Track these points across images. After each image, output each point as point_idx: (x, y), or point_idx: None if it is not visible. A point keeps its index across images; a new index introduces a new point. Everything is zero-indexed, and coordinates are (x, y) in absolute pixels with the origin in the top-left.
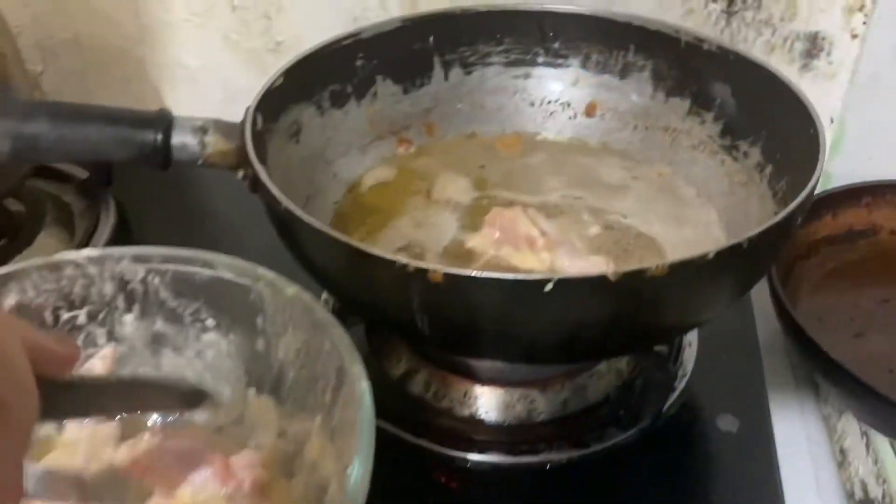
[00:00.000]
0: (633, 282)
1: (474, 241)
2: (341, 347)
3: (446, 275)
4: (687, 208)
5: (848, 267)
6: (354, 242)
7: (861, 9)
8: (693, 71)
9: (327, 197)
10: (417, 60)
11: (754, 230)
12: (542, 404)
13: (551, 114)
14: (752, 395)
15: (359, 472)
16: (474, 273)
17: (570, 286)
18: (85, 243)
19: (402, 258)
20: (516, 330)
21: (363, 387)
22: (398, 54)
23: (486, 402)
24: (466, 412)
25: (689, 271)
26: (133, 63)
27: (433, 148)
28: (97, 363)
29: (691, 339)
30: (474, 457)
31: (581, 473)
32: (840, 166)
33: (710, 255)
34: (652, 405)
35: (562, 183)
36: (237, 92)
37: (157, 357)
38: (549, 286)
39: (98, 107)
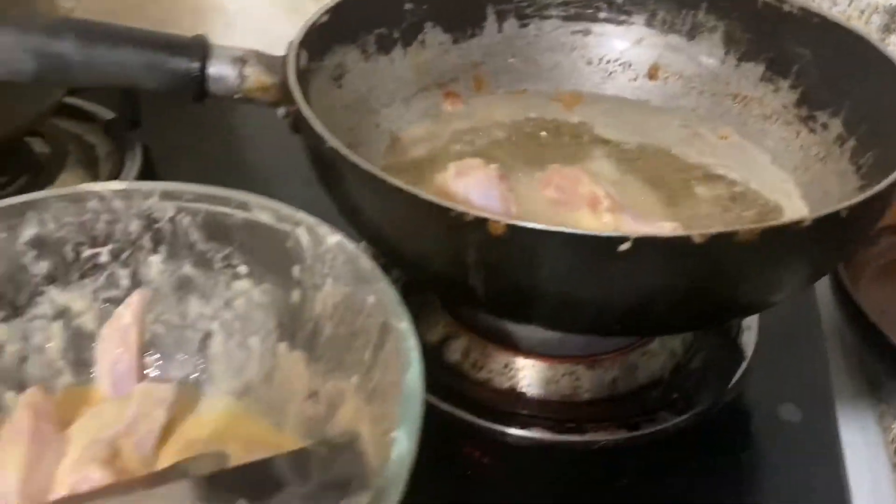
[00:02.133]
0: (720, 245)
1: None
2: (387, 303)
3: (509, 226)
4: (762, 172)
5: None
6: (408, 187)
7: None
8: (770, 34)
9: (370, 149)
10: (470, 9)
11: (855, 198)
12: (589, 382)
13: (610, 74)
14: (816, 384)
15: (404, 442)
16: (542, 226)
17: (649, 246)
18: None
19: (459, 206)
20: (581, 293)
21: (410, 345)
22: (450, 1)
23: (528, 376)
24: (506, 384)
25: (782, 238)
26: (169, 5)
27: (480, 103)
28: (125, 311)
29: (750, 322)
30: (515, 431)
31: (629, 457)
32: None
33: (807, 222)
34: (708, 390)
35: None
36: (275, 41)
37: (183, 304)
38: (625, 245)
39: (130, 28)
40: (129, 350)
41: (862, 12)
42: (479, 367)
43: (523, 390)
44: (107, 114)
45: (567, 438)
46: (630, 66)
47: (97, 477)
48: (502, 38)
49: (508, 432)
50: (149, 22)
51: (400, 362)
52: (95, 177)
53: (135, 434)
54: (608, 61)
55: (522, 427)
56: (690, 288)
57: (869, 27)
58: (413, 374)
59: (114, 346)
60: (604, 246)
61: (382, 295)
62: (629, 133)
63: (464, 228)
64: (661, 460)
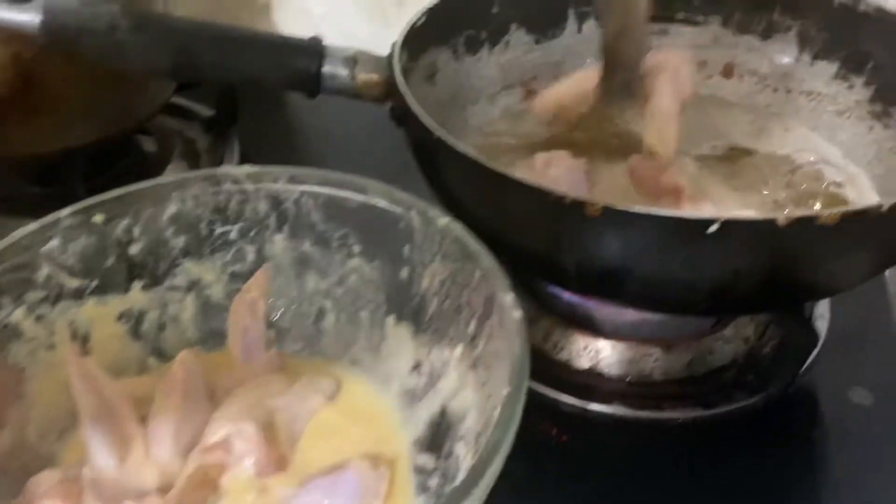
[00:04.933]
0: (801, 229)
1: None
2: (493, 277)
3: (605, 208)
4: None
5: None
6: (511, 174)
7: None
8: (845, 34)
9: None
10: (552, 10)
11: None
12: (666, 363)
13: None
14: (887, 368)
15: (512, 402)
16: (636, 209)
17: (736, 228)
18: None
19: (559, 190)
20: (669, 274)
21: (516, 316)
22: (534, 3)
23: (608, 357)
24: (586, 365)
25: (860, 223)
26: (258, 9)
27: None
28: (252, 286)
29: (823, 310)
30: (595, 407)
31: (704, 434)
32: None
33: (885, 208)
34: (781, 373)
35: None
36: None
37: (301, 280)
38: (714, 227)
39: (254, 32)
40: (257, 321)
41: None
42: (560, 348)
43: (603, 370)
44: (206, 111)
45: (645, 415)
46: (706, 64)
47: (251, 432)
48: (582, 38)
49: (589, 408)
50: (240, 23)
51: (506, 330)
52: (197, 169)
53: (290, 412)
54: None
55: (603, 402)
56: (772, 269)
57: None
58: (520, 341)
59: (243, 318)
60: (693, 227)
61: (489, 271)
62: (703, 131)
63: (563, 210)
64: (733, 439)
